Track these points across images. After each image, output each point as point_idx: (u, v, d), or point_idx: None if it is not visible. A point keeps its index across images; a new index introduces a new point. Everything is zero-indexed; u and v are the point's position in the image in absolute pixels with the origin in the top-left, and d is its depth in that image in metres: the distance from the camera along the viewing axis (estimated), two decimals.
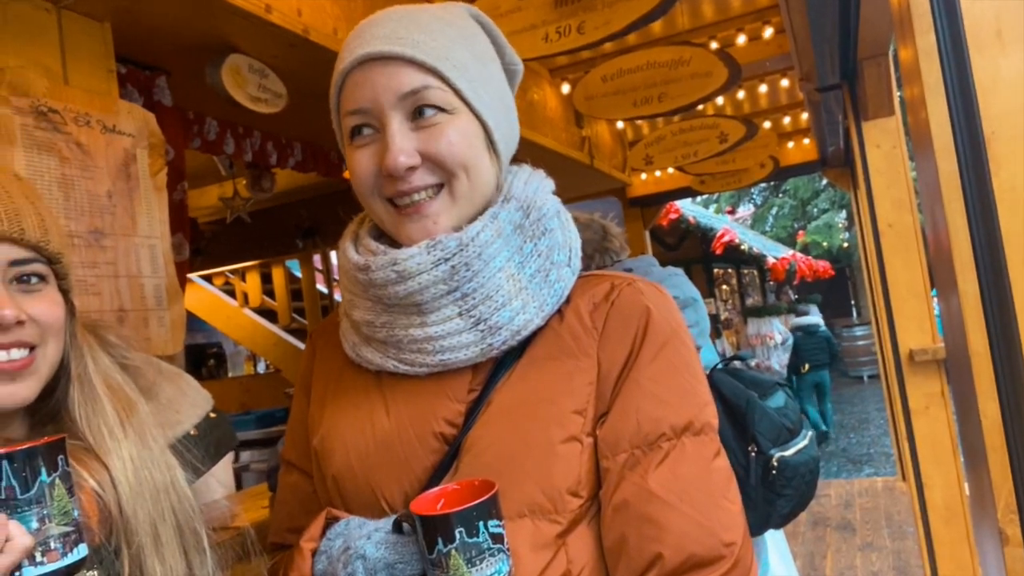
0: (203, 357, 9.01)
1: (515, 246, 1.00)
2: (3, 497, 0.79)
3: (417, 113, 0.96)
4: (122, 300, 2.32)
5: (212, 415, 1.27)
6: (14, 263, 0.98)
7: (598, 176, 6.34)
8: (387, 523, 0.93)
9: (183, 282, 3.13)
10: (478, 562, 0.80)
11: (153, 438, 1.10)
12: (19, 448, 0.82)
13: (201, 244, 6.49)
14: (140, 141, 2.48)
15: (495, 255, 0.98)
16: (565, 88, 5.35)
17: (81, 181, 2.26)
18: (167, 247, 2.51)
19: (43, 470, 0.82)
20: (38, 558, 0.81)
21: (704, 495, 0.91)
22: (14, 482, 0.80)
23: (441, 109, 0.96)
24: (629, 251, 2.79)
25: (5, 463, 0.80)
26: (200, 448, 1.20)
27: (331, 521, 1.01)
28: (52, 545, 0.82)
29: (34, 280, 1.00)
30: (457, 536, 0.80)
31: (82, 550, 0.86)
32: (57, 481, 0.83)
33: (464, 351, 0.98)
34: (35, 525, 0.81)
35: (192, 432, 1.21)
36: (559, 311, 1.02)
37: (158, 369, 1.24)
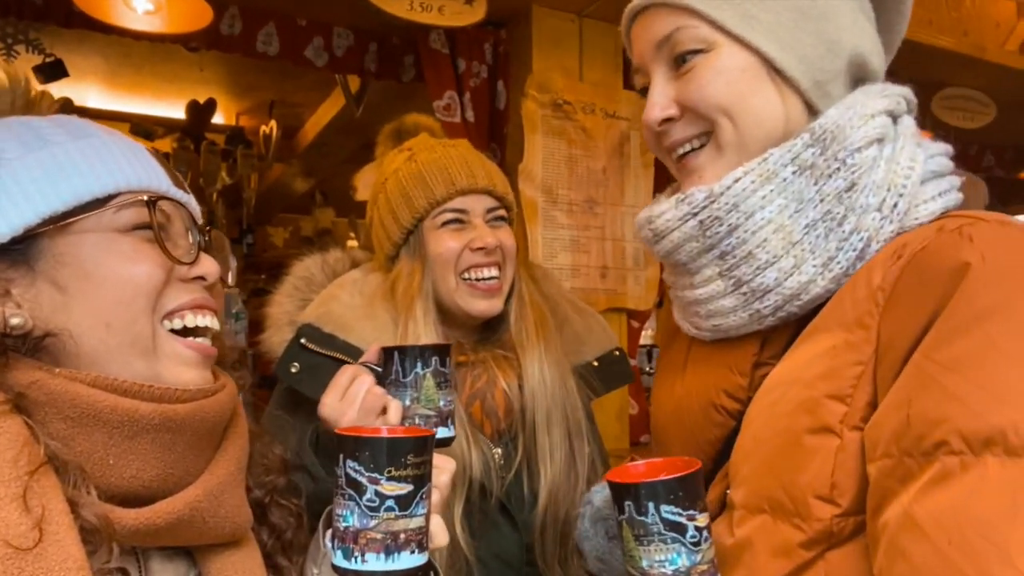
0: None
1: (796, 192, 0.82)
2: (392, 378, 1.07)
3: (679, 60, 0.86)
4: (606, 259, 2.75)
5: (616, 353, 1.54)
6: (490, 209, 1.39)
7: None
8: None
9: None
10: (646, 543, 0.77)
11: (555, 349, 1.42)
12: (406, 346, 1.12)
13: None
14: (636, 124, 2.87)
15: (762, 205, 0.82)
16: None
17: (583, 159, 2.76)
18: None
19: (420, 364, 1.05)
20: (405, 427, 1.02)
21: (994, 545, 0.60)
22: (399, 367, 1.06)
23: (697, 50, 0.85)
24: None
25: (396, 354, 1.07)
26: (596, 377, 1.49)
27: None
28: (417, 422, 1.04)
29: (499, 222, 1.41)
30: (627, 509, 0.78)
31: (442, 432, 1.04)
32: (428, 375, 1.05)
33: (732, 316, 0.86)
34: (407, 403, 1.05)
35: (594, 363, 1.50)
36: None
37: (575, 306, 1.57)
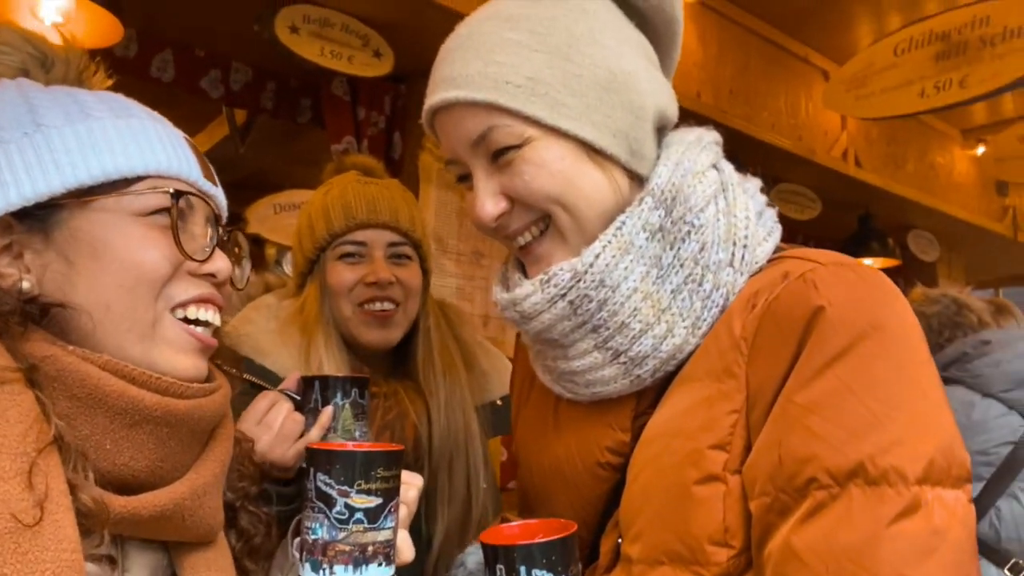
0: None
1: (652, 257, 0.84)
2: (311, 406, 1.10)
3: (496, 155, 0.84)
4: (488, 308, 2.89)
5: None
6: (392, 244, 1.41)
7: None
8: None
9: None
10: None
11: (461, 388, 1.46)
12: (327, 376, 1.15)
13: None
14: None
15: (625, 276, 0.83)
16: (980, 150, 4.81)
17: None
18: None
19: (339, 395, 1.10)
20: None
21: (865, 569, 0.66)
22: (318, 396, 1.10)
23: (512, 146, 0.83)
24: (1000, 324, 2.50)
25: (317, 383, 1.10)
26: (499, 417, 1.52)
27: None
28: None
29: (402, 259, 1.42)
30: (498, 572, 0.77)
31: None
32: (347, 405, 1.09)
33: (613, 384, 0.87)
34: (320, 432, 1.09)
35: (498, 402, 1.54)
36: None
37: (483, 348, 1.61)
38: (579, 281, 0.83)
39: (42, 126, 0.74)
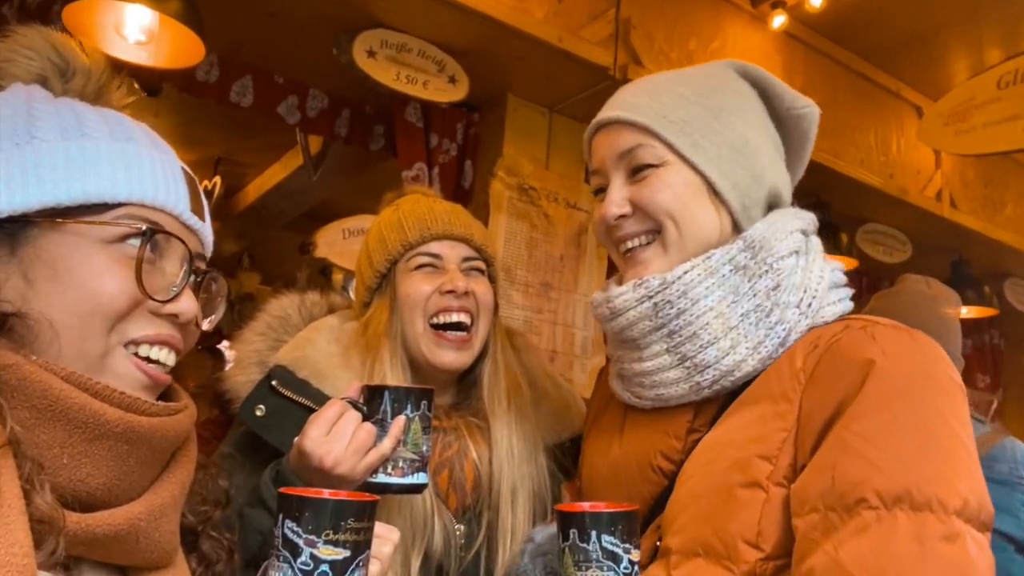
0: None
1: (731, 286, 0.97)
2: (379, 417, 1.05)
3: (635, 170, 1.02)
4: (556, 343, 2.78)
5: None
6: (466, 258, 1.36)
7: None
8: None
9: None
10: (584, 568, 0.86)
11: (529, 417, 1.36)
12: (397, 387, 1.10)
13: None
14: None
15: (705, 294, 0.97)
16: None
17: (542, 244, 2.83)
18: None
19: (409, 407, 1.05)
20: (388, 469, 1.04)
21: None
22: (388, 407, 1.04)
23: (652, 164, 1.01)
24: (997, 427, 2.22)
25: (387, 393, 1.05)
26: (570, 458, 1.40)
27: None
28: (400, 464, 1.04)
29: (475, 273, 1.37)
30: (571, 536, 0.87)
31: (421, 477, 1.05)
32: (416, 419, 1.05)
33: (674, 387, 0.99)
34: (393, 444, 1.04)
35: (567, 444, 1.41)
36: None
37: (554, 382, 1.50)
38: (666, 288, 0.97)
39: (35, 139, 0.73)
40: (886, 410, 0.82)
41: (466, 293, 1.30)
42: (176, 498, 0.77)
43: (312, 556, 0.74)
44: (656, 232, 1.01)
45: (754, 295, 0.96)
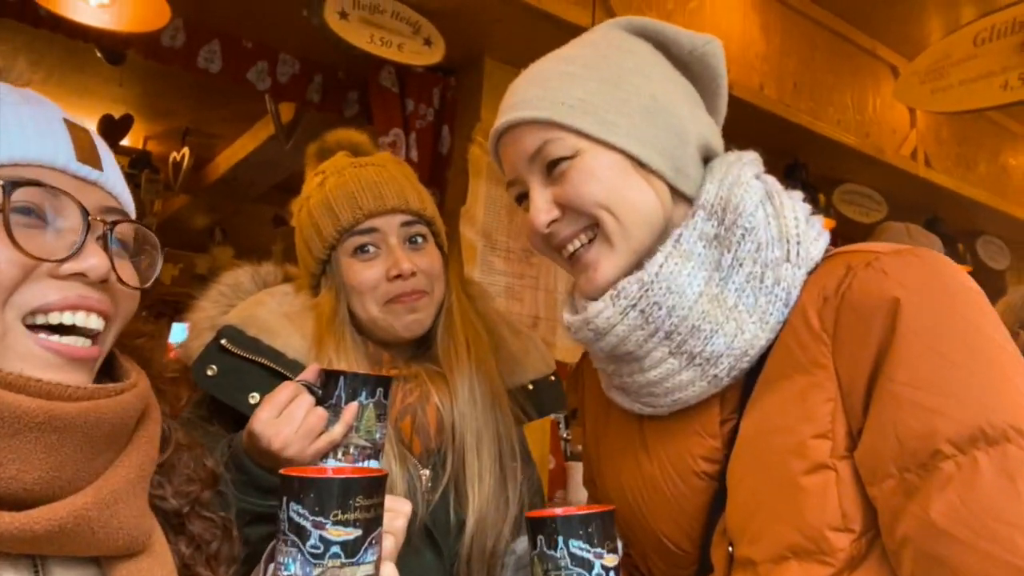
0: None
1: (712, 262, 0.90)
2: (333, 402, 1.02)
3: (550, 167, 0.93)
4: (539, 308, 2.77)
5: (552, 378, 1.50)
6: (405, 224, 1.29)
7: None
8: None
9: None
10: None
11: (488, 363, 1.35)
12: (355, 373, 1.06)
13: None
14: None
15: (689, 282, 0.89)
16: None
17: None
18: None
19: (364, 394, 1.02)
20: (339, 455, 1.02)
21: (1012, 526, 0.69)
22: (342, 393, 1.02)
23: (565, 157, 0.91)
24: None
25: (342, 379, 1.02)
26: (530, 402, 1.42)
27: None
28: (351, 450, 1.02)
29: (418, 240, 1.31)
30: (539, 543, 0.82)
31: (372, 464, 1.02)
32: (371, 406, 1.02)
33: (691, 388, 0.91)
34: (344, 431, 1.02)
35: (529, 387, 1.43)
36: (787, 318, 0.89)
37: (512, 327, 1.50)
38: (647, 290, 0.88)
39: None
40: (926, 349, 0.76)
41: (413, 274, 1.27)
42: (132, 482, 0.72)
43: (322, 538, 0.71)
44: (594, 227, 0.92)
45: (740, 265, 0.89)
